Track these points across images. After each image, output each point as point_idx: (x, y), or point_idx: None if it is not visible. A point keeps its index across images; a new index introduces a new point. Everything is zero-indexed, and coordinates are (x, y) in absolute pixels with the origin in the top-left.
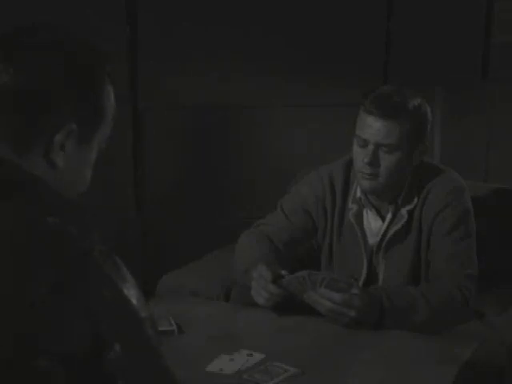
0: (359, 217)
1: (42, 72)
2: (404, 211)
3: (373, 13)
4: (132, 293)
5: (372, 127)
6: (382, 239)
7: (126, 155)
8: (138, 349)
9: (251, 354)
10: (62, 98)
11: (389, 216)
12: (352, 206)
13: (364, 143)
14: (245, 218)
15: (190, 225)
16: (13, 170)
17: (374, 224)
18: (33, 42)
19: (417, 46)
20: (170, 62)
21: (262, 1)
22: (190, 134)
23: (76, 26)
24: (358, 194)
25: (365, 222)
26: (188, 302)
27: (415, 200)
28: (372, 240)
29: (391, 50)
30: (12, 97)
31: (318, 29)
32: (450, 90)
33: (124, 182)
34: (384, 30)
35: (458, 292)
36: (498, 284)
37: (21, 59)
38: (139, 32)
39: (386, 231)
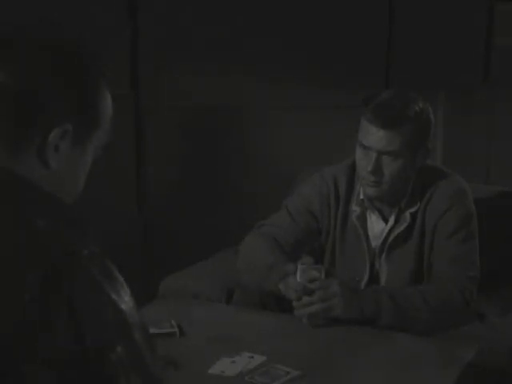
0: (363, 219)
1: (34, 72)
2: (407, 214)
3: (375, 15)
4: (121, 297)
5: (374, 135)
6: (384, 241)
7: (128, 155)
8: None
9: (252, 357)
10: (56, 98)
11: (392, 219)
12: (355, 209)
13: (366, 149)
14: (245, 219)
15: (191, 226)
16: (5, 173)
17: (376, 226)
18: (25, 41)
19: (418, 49)
20: (171, 62)
21: (262, 1)
22: (191, 135)
23: (77, 26)
24: (361, 196)
25: (368, 224)
26: (190, 304)
27: (418, 203)
28: (375, 242)
29: (393, 52)
30: (5, 97)
31: (319, 30)
32: (452, 92)
33: (125, 183)
34: (386, 32)
35: (459, 294)
36: (499, 285)
37: (13, 59)
38: (139, 32)
39: (388, 233)
